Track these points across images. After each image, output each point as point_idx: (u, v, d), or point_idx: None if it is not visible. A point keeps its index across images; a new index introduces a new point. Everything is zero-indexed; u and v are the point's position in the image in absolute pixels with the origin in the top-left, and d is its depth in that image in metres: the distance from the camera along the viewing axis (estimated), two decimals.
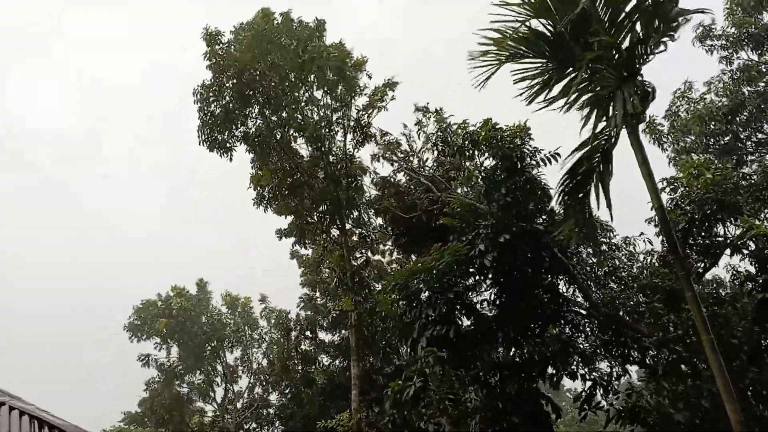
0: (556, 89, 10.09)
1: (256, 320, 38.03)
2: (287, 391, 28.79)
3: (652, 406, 12.86)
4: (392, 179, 22.07)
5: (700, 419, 12.53)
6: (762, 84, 23.33)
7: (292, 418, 26.81)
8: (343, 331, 26.53)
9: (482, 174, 14.75)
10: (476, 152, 16.45)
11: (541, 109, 10.10)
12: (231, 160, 23.15)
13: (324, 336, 28.75)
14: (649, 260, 15.63)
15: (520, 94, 10.16)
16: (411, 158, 20.74)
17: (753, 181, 14.49)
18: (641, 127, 14.43)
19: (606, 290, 15.49)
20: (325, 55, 22.30)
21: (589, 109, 9.76)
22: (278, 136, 23.06)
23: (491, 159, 14.92)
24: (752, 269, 13.89)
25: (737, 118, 23.13)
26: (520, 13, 9.55)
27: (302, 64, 22.04)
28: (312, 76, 22.81)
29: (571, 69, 9.90)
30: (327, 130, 22.80)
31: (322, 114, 23.38)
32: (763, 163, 15.70)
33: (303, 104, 23.26)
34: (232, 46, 22.19)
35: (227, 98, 22.23)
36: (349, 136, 23.44)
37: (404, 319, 13.92)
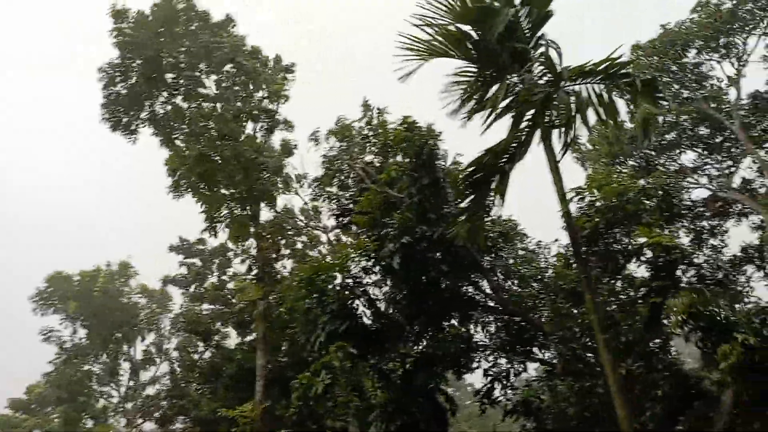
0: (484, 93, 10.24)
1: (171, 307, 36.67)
2: (198, 381, 27.91)
3: (546, 401, 13.41)
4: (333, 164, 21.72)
5: (591, 414, 13.20)
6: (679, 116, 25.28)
7: (198, 407, 26.01)
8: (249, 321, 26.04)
9: (396, 173, 14.79)
10: (398, 150, 16.53)
11: (467, 116, 10.16)
12: (134, 142, 22.64)
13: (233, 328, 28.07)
14: (556, 263, 16.30)
15: (447, 98, 10.16)
16: (350, 148, 20.48)
17: (653, 193, 15.42)
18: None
19: (515, 290, 16.01)
20: (230, 45, 22.16)
21: (511, 114, 9.94)
22: (186, 122, 22.41)
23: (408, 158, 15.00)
24: (648, 275, 14.76)
25: (650, 142, 24.82)
26: (444, 17, 9.59)
27: (208, 51, 21.74)
28: (219, 65, 22.48)
29: (495, 75, 10.06)
30: (235, 118, 22.32)
31: (230, 102, 22.95)
32: (663, 180, 16.84)
33: (210, 91, 22.85)
34: (141, 28, 21.37)
35: (134, 79, 21.53)
36: (259, 125, 23.34)
37: (309, 314, 13.75)
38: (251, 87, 23.10)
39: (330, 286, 13.36)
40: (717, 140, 26.83)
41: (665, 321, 14.08)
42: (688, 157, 27.64)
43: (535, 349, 15.13)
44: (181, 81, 22.05)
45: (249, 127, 23.43)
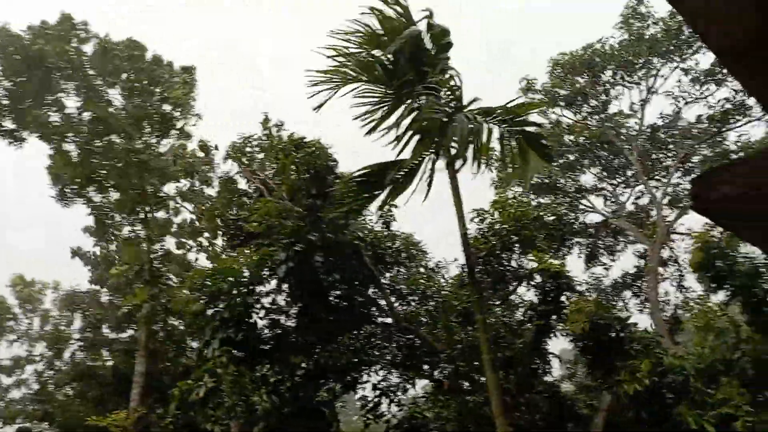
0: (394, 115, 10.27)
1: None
2: (70, 384, 25.80)
3: (430, 418, 13.51)
4: (229, 177, 21.07)
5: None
6: (582, 138, 26.64)
7: (66, 413, 23.95)
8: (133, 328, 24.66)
9: (288, 188, 14.58)
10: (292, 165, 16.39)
11: (369, 132, 10.13)
12: (21, 148, 21.30)
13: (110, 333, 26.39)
14: (451, 282, 16.63)
15: (359, 118, 10.10)
16: (248, 161, 19.90)
17: (549, 221, 16.18)
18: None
19: (411, 306, 16.12)
20: (122, 51, 21.46)
21: (412, 134, 9.97)
22: (75, 128, 21.29)
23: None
24: (536, 299, 15.41)
25: (555, 165, 25.96)
26: (356, 43, 9.63)
27: (105, 60, 20.98)
28: (114, 69, 21.62)
29: (405, 98, 10.13)
30: (129, 123, 21.42)
31: (124, 106, 22.09)
32: (557, 208, 17.75)
33: (104, 96, 21.83)
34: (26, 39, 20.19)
35: (12, 84, 20.27)
36: (154, 129, 22.58)
37: (198, 319, 13.10)
38: (148, 92, 22.38)
39: (223, 290, 12.78)
40: (615, 164, 28.35)
41: (552, 338, 14.75)
42: (588, 178, 29.14)
43: (426, 366, 15.25)
44: (72, 87, 21.13)
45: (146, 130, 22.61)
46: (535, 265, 14.92)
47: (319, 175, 14.03)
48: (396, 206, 15.96)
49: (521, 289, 16.05)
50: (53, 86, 20.70)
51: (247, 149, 18.36)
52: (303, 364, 12.73)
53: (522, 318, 15.77)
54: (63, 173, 21.53)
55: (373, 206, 15.65)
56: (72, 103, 21.47)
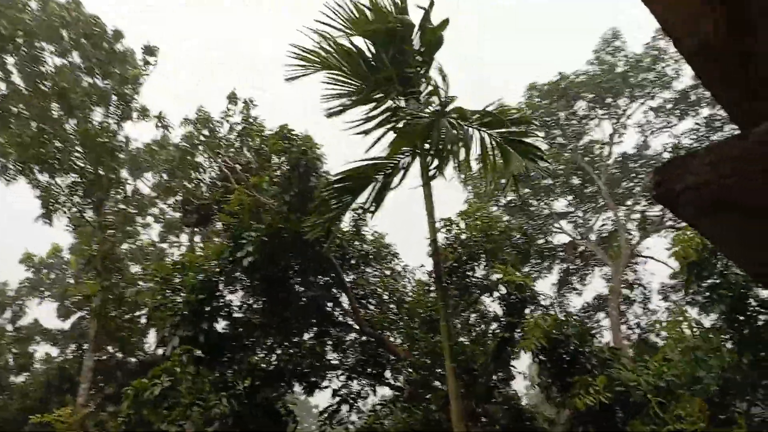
0: (365, 108, 10.20)
1: None
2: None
3: (388, 426, 13.40)
4: (190, 158, 20.67)
5: None
6: (555, 164, 27.26)
7: (5, 411, 22.85)
8: (79, 318, 23.86)
9: (271, 179, 14.37)
10: (272, 156, 16.10)
11: (352, 129, 10.04)
12: None
13: (52, 322, 25.48)
14: (417, 289, 16.61)
15: (326, 101, 10.01)
16: (216, 142, 19.60)
17: (514, 235, 16.37)
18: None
19: (376, 310, 16.03)
20: (78, 23, 20.73)
21: (386, 132, 9.94)
22: (23, 103, 20.37)
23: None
24: (500, 311, 15.49)
25: (527, 188, 26.45)
26: (342, 28, 9.51)
27: (53, 30, 20.22)
28: (67, 44, 20.91)
29: (382, 94, 10.08)
30: (84, 100, 20.71)
31: (78, 84, 21.27)
32: (521, 224, 18.10)
33: (56, 71, 20.97)
34: None
35: None
36: (111, 109, 21.90)
37: (157, 313, 12.75)
38: (102, 69, 21.67)
39: (187, 284, 12.47)
40: (586, 191, 29.21)
41: (512, 354, 14.79)
42: (560, 204, 29.87)
43: (387, 373, 15.15)
44: (16, 58, 20.25)
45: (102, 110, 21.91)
46: (500, 276, 15.02)
47: (304, 172, 13.80)
48: (371, 211, 15.89)
49: (487, 301, 16.12)
50: None
51: (210, 124, 17.96)
52: (262, 365, 12.50)
53: (486, 329, 15.83)
54: (8, 150, 20.55)
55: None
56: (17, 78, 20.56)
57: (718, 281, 11.78)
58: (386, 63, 9.70)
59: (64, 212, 21.88)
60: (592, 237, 29.58)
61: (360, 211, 15.63)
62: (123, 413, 11.81)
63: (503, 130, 9.46)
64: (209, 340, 12.24)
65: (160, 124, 21.53)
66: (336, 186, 9.71)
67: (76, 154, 20.55)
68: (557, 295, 27.77)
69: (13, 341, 24.68)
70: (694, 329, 12.75)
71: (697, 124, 27.41)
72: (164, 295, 12.75)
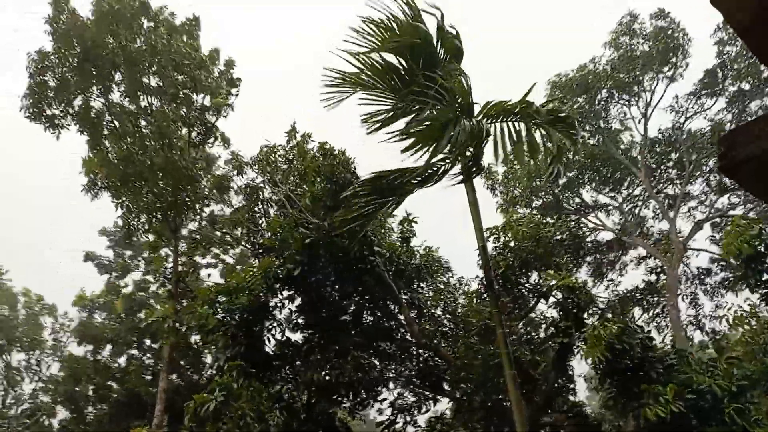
0: (403, 121, 10.33)
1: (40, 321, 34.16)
2: (80, 404, 25.85)
3: None
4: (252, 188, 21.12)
5: None
6: (580, 156, 26.67)
7: None
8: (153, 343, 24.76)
9: (311, 199, 14.61)
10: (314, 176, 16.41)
11: (388, 140, 10.15)
12: (58, 138, 21.07)
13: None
14: (471, 299, 16.52)
15: (366, 121, 10.12)
16: (273, 173, 19.91)
17: (563, 238, 16.11)
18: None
19: (431, 323, 16.03)
20: (174, 46, 21.30)
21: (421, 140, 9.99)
22: (117, 122, 21.21)
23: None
24: (557, 316, 15.19)
25: (558, 181, 25.97)
26: (371, 46, 9.67)
27: (151, 51, 20.86)
28: (160, 66, 21.53)
29: (418, 104, 10.19)
30: (168, 124, 21.44)
31: (165, 106, 22.02)
32: (568, 223, 17.77)
33: (148, 93, 21.79)
34: (83, 18, 20.37)
35: (64, 70, 20.27)
36: (194, 133, 22.54)
37: (211, 335, 13.14)
38: (193, 95, 22.32)
39: (234, 307, 12.84)
40: (618, 180, 28.43)
41: (573, 361, 14.46)
42: (589, 196, 29.10)
43: (445, 384, 15.07)
44: (118, 78, 21.05)
45: (185, 135, 22.56)
46: (553, 282, 14.77)
47: (339, 187, 13.96)
48: (416, 222, 16.03)
49: (543, 307, 15.86)
50: (102, 77, 20.56)
51: (271, 158, 18.42)
52: (316, 379, 12.68)
53: (544, 335, 15.57)
54: (97, 169, 21.16)
55: (395, 221, 15.99)
56: (116, 96, 21.42)
57: None
58: (416, 74, 9.81)
59: (142, 233, 22.36)
60: (633, 228, 28.56)
61: (406, 224, 15.79)
62: (186, 428, 12.20)
63: (539, 118, 9.34)
64: (259, 355, 12.57)
65: (232, 164, 21.71)
66: (369, 185, 9.76)
67: (158, 175, 21.09)
68: (614, 297, 26.79)
69: (94, 374, 25.69)
70: (765, 324, 12.09)
71: (727, 101, 26.44)
72: (216, 316, 13.09)
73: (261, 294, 12.97)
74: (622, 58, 26.74)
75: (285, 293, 13.58)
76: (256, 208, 19.16)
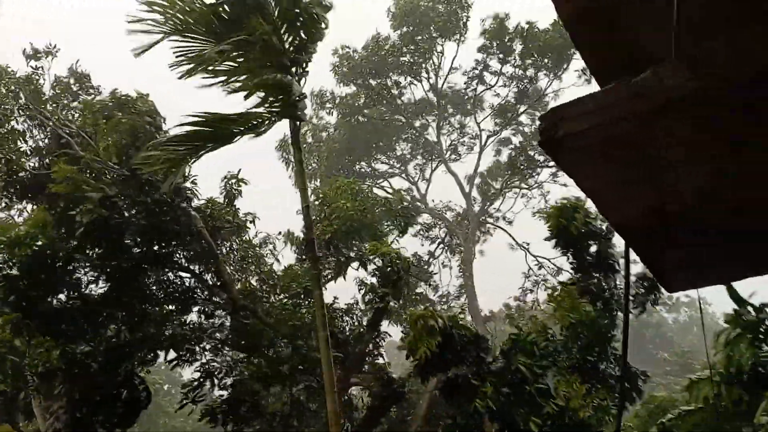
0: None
1: None
2: None
3: (249, 399, 13.03)
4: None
5: (297, 412, 13.30)
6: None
7: None
8: None
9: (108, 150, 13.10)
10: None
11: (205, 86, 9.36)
12: None
13: None
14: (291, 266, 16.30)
15: (177, 65, 9.17)
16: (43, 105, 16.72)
17: (388, 206, 16.63)
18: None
19: (248, 284, 15.53)
20: None
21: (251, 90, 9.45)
22: None
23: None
24: (376, 282, 15.61)
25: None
26: None
27: None
28: None
29: (240, 50, 9.55)
30: None
31: None
32: (398, 191, 18.51)
33: None
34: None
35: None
36: None
37: None
38: None
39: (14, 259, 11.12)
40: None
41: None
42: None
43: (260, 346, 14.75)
44: None
45: None
46: (375, 249, 15.16)
47: (143, 136, 12.68)
48: (246, 182, 15.24)
49: (362, 273, 16.20)
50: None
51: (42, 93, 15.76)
52: (112, 338, 11.63)
53: (358, 299, 15.95)
54: None
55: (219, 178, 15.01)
56: None
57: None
58: (242, 21, 9.18)
59: None
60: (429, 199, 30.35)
61: (234, 182, 14.98)
62: None
63: None
64: (51, 310, 11.23)
65: None
66: (191, 129, 8.98)
67: None
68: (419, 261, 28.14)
69: None
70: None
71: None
72: None
73: (47, 246, 11.32)
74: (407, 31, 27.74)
75: (82, 245, 11.98)
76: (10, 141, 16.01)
